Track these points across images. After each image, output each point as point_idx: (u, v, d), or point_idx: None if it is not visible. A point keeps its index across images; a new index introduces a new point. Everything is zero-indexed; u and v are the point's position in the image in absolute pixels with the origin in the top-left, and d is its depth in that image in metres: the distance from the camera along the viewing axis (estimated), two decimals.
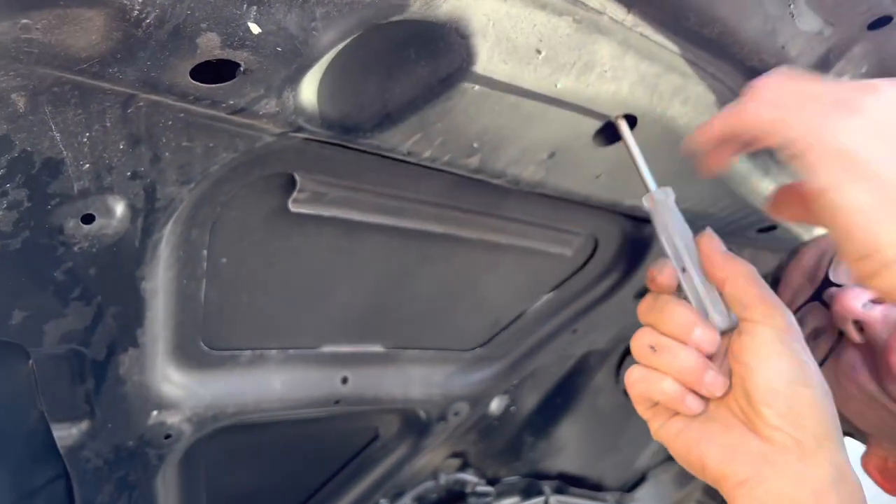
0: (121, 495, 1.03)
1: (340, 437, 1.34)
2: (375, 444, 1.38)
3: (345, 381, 1.16)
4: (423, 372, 1.26)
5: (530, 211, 1.08)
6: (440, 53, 0.68)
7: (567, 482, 1.78)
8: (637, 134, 0.83)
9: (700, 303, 0.74)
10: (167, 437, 1.00)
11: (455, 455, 1.57)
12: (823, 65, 0.86)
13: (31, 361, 0.83)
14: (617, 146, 0.88)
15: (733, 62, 0.83)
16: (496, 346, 1.32)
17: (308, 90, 0.67)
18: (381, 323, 1.15)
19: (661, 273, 0.75)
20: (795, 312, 0.89)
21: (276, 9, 0.56)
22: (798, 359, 0.69)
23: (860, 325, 0.91)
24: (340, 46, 0.64)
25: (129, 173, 0.69)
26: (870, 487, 0.83)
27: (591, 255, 1.25)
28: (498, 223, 1.08)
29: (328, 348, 1.13)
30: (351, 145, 0.78)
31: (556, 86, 0.75)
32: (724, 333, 0.74)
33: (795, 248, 1.14)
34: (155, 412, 0.96)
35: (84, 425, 0.92)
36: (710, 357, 0.72)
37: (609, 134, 0.86)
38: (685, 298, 0.75)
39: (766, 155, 1.02)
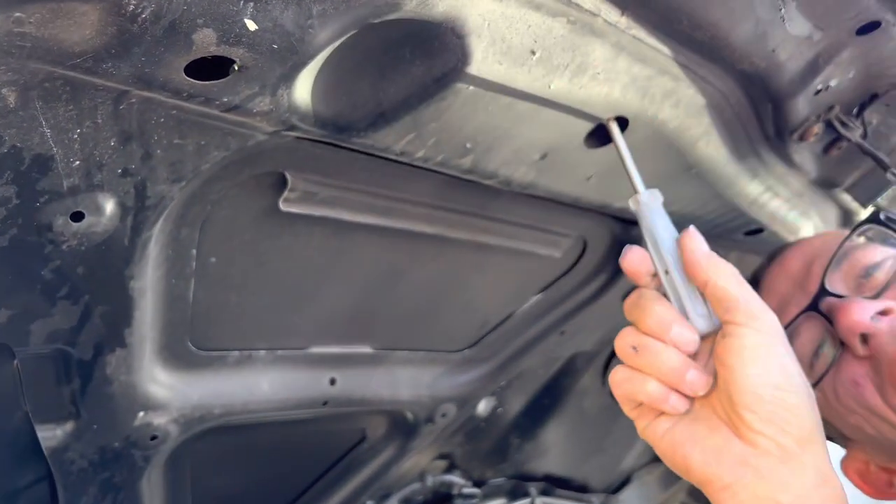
0: (105, 497, 1.02)
1: (327, 438, 1.33)
2: (362, 445, 1.37)
3: (333, 382, 1.16)
4: (411, 373, 1.26)
5: (520, 212, 1.08)
6: (435, 53, 0.68)
7: (553, 484, 1.78)
8: (628, 136, 0.83)
9: (682, 305, 0.74)
10: (153, 438, 0.99)
11: (442, 457, 1.57)
12: (812, 69, 0.87)
13: (15, 361, 0.82)
14: (608, 148, 0.88)
15: (724, 65, 0.84)
16: (484, 348, 1.32)
17: (302, 88, 0.67)
18: (369, 324, 1.15)
19: (624, 257, 0.75)
20: (790, 323, 0.90)
21: (273, 6, 0.56)
22: (781, 363, 0.69)
23: (865, 338, 0.88)
24: (336, 44, 0.63)
25: (119, 171, 0.68)
26: (850, 490, 0.84)
27: (580, 257, 1.26)
28: (488, 224, 1.08)
29: (317, 349, 1.12)
30: (343, 144, 0.78)
31: (549, 87, 0.75)
32: (706, 336, 0.74)
33: (774, 253, 1.13)
34: (141, 413, 0.95)
35: (69, 426, 0.91)
36: (694, 356, 0.73)
37: (600, 136, 0.86)
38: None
39: (754, 158, 1.03)
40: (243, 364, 1.05)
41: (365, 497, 1.42)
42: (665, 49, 0.79)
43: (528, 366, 1.41)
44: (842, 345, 0.89)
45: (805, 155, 1.05)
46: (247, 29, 0.56)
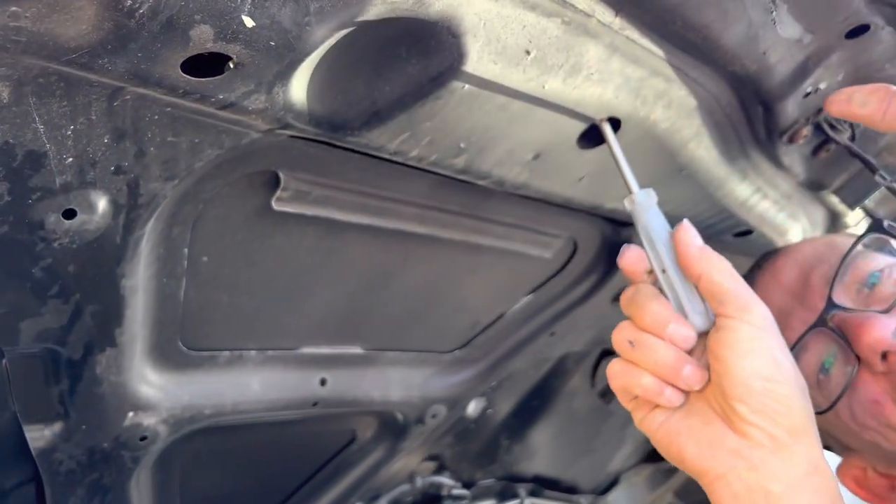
0: (93, 499, 1.01)
1: (317, 439, 1.33)
2: (352, 446, 1.37)
3: (323, 382, 1.15)
4: (401, 374, 1.26)
5: (512, 213, 1.09)
6: (431, 52, 0.68)
7: (542, 485, 1.78)
8: (620, 137, 0.84)
9: (679, 304, 0.74)
10: (143, 438, 0.98)
11: (431, 458, 1.57)
12: (802, 72, 0.88)
13: (4, 361, 0.81)
14: (600, 149, 0.89)
15: (716, 67, 0.84)
16: (475, 348, 1.32)
17: (298, 86, 0.66)
18: (360, 324, 1.15)
19: (622, 256, 0.76)
20: (798, 340, 0.88)
21: (272, 2, 0.55)
22: (772, 356, 0.70)
23: (884, 355, 0.85)
24: (332, 42, 0.63)
25: (112, 168, 0.67)
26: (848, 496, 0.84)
27: (570, 258, 1.26)
28: (479, 225, 1.09)
29: (307, 349, 1.12)
30: (337, 143, 0.77)
31: (543, 87, 0.76)
32: (703, 333, 0.75)
33: (760, 261, 1.12)
34: (131, 413, 0.94)
35: (57, 427, 0.90)
36: (690, 351, 0.73)
37: (593, 137, 0.87)
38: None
39: (744, 160, 1.04)
40: (234, 364, 1.05)
41: (354, 498, 1.41)
42: (658, 50, 0.80)
43: (518, 367, 1.42)
44: (857, 361, 0.86)
45: (794, 157, 1.06)
46: (244, 25, 0.56)
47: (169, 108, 0.64)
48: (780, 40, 0.82)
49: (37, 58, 0.54)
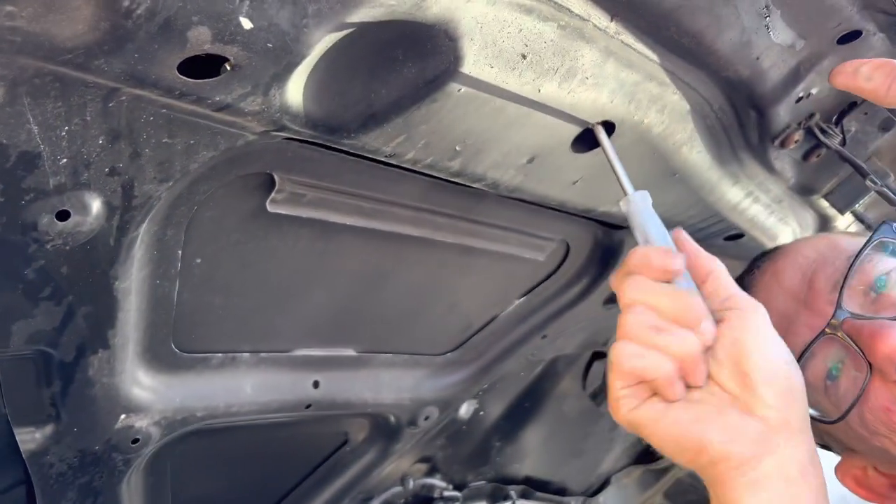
0: (84, 501, 1.00)
1: (309, 441, 1.33)
2: (344, 448, 1.37)
3: (316, 385, 1.15)
4: (394, 376, 1.26)
5: (505, 216, 1.09)
6: (428, 55, 0.68)
7: (533, 486, 1.79)
8: (614, 141, 0.84)
9: None
10: (134, 441, 0.97)
11: (423, 460, 1.57)
12: (794, 77, 0.89)
13: None
14: (594, 153, 0.89)
15: (709, 72, 0.85)
16: (467, 351, 1.33)
17: (294, 88, 0.66)
18: (354, 326, 1.15)
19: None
20: (808, 346, 0.87)
21: (269, 4, 0.55)
22: (785, 345, 0.72)
23: None
24: (329, 45, 0.63)
25: (107, 169, 0.67)
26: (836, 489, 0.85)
27: (563, 261, 1.26)
28: (473, 227, 1.09)
29: (300, 352, 1.11)
30: (333, 146, 0.77)
31: (539, 91, 0.76)
32: None
33: (757, 263, 1.09)
34: (123, 416, 0.94)
35: (49, 429, 0.89)
36: None
37: (587, 141, 0.87)
38: None
39: (736, 164, 1.04)
40: (226, 366, 1.04)
41: (346, 500, 1.41)
42: (652, 55, 0.80)
43: (509, 369, 1.42)
44: (869, 368, 0.84)
45: (785, 161, 1.06)
46: (242, 27, 0.56)
47: (164, 110, 0.64)
48: (772, 46, 0.83)
49: (32, 58, 0.54)
